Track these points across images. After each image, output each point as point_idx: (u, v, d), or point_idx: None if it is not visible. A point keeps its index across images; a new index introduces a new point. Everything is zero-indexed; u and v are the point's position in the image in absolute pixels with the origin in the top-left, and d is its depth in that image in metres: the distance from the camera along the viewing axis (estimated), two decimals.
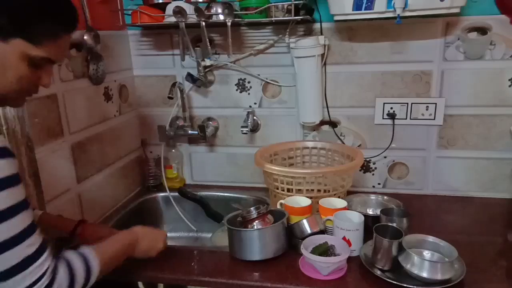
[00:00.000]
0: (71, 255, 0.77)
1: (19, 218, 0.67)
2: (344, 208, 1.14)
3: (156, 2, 1.35)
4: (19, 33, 0.66)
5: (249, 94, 1.52)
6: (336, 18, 1.25)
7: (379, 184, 1.51)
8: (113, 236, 0.92)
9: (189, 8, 1.28)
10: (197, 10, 1.26)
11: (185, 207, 1.53)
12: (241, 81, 1.51)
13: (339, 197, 1.24)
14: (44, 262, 0.69)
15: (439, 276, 0.90)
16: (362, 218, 1.06)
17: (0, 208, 0.64)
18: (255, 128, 1.54)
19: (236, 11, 1.30)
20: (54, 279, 0.70)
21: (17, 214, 0.66)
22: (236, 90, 1.52)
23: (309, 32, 1.40)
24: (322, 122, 1.48)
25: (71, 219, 1.07)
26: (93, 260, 0.79)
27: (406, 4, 1.12)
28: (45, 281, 0.68)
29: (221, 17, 1.29)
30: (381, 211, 1.14)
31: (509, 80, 1.31)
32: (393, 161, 1.48)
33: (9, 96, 0.71)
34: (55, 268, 0.71)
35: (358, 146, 1.48)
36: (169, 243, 1.07)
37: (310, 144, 1.47)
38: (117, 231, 1.03)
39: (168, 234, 1.08)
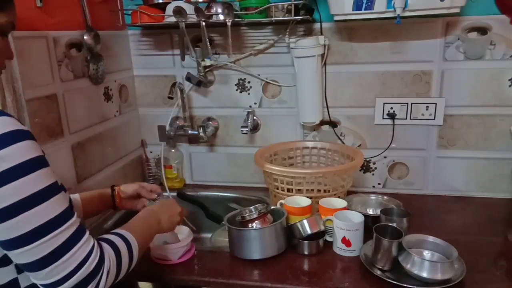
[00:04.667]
0: (109, 235, 0.76)
1: (54, 201, 0.64)
2: (344, 208, 1.14)
3: (156, 2, 1.35)
4: None
5: (249, 94, 1.52)
6: (336, 18, 1.25)
7: (379, 184, 1.51)
8: (138, 216, 0.90)
9: (189, 8, 1.28)
10: (197, 10, 1.26)
11: (185, 207, 1.53)
12: (241, 81, 1.51)
13: (339, 197, 1.24)
14: (89, 239, 0.67)
15: (439, 276, 0.90)
16: (362, 218, 1.06)
17: (32, 191, 0.61)
18: (255, 128, 1.54)
19: (236, 11, 1.30)
20: (103, 253, 0.69)
21: (51, 197, 0.64)
22: (236, 90, 1.52)
23: (309, 32, 1.40)
24: (322, 122, 1.48)
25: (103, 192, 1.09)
26: (131, 239, 0.78)
27: (406, 4, 1.12)
28: (95, 256, 0.67)
29: (221, 17, 1.29)
30: (381, 211, 1.14)
31: (509, 80, 1.31)
32: (393, 161, 1.48)
33: None
34: (99, 244, 0.70)
35: (358, 146, 1.48)
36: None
37: (310, 144, 1.47)
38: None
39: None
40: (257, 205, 1.12)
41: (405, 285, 0.91)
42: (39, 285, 0.65)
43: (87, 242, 0.67)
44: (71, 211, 0.68)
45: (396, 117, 1.41)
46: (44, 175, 0.64)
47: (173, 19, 1.29)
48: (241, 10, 1.32)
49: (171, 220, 0.97)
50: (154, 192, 1.13)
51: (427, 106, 1.38)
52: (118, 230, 0.80)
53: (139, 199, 1.12)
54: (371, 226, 1.02)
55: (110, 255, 0.71)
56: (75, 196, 1.02)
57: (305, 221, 1.07)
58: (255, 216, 1.08)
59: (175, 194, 1.48)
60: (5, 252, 0.64)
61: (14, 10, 0.71)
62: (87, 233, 0.68)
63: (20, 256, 0.63)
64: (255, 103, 1.52)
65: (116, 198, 1.09)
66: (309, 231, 1.07)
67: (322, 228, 1.08)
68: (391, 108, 1.41)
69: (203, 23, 1.29)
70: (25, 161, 0.61)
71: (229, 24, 1.27)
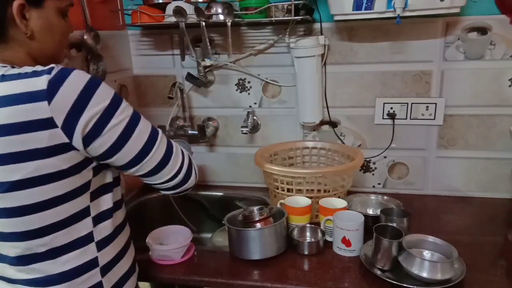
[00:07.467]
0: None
1: (143, 120, 0.79)
2: (344, 208, 1.14)
3: (156, 2, 1.35)
4: None
5: (249, 94, 1.52)
6: (336, 18, 1.25)
7: (379, 184, 1.51)
8: None
9: (189, 8, 1.28)
10: (197, 10, 1.26)
11: (185, 207, 1.53)
12: (241, 81, 1.51)
13: (339, 197, 1.24)
14: (178, 150, 0.86)
15: (439, 276, 0.90)
16: (362, 218, 1.06)
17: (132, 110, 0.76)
18: (255, 128, 1.54)
19: (236, 11, 1.30)
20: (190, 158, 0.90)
21: (140, 118, 0.78)
22: (236, 90, 1.52)
23: (309, 32, 1.40)
24: (322, 122, 1.48)
25: None
26: None
27: (406, 4, 1.12)
28: (186, 159, 0.88)
29: (221, 17, 1.29)
30: (381, 211, 1.14)
31: (509, 80, 1.31)
32: (393, 161, 1.48)
33: (57, 55, 0.81)
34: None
35: (358, 146, 1.48)
36: None
37: (310, 144, 1.47)
38: None
39: None
40: (262, 206, 1.12)
41: (405, 285, 0.91)
42: (158, 187, 0.85)
43: (177, 152, 0.85)
44: (156, 128, 0.82)
45: (396, 117, 1.41)
46: (127, 104, 0.76)
47: (173, 19, 1.29)
48: (241, 10, 1.32)
49: None
50: None
51: (427, 106, 1.38)
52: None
53: None
54: (371, 226, 1.02)
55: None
56: None
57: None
58: (257, 218, 1.08)
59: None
60: (127, 171, 0.78)
61: None
62: (175, 145, 0.86)
63: (141, 168, 0.78)
64: (255, 103, 1.52)
65: None
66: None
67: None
68: (391, 108, 1.41)
69: (203, 23, 1.29)
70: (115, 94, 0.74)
71: (229, 24, 1.27)
